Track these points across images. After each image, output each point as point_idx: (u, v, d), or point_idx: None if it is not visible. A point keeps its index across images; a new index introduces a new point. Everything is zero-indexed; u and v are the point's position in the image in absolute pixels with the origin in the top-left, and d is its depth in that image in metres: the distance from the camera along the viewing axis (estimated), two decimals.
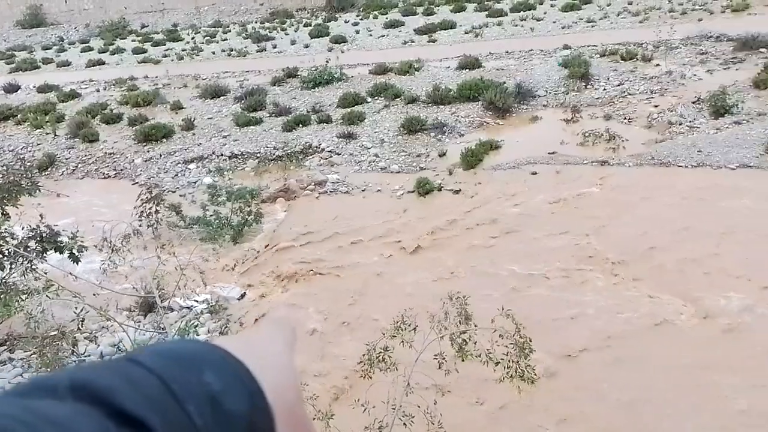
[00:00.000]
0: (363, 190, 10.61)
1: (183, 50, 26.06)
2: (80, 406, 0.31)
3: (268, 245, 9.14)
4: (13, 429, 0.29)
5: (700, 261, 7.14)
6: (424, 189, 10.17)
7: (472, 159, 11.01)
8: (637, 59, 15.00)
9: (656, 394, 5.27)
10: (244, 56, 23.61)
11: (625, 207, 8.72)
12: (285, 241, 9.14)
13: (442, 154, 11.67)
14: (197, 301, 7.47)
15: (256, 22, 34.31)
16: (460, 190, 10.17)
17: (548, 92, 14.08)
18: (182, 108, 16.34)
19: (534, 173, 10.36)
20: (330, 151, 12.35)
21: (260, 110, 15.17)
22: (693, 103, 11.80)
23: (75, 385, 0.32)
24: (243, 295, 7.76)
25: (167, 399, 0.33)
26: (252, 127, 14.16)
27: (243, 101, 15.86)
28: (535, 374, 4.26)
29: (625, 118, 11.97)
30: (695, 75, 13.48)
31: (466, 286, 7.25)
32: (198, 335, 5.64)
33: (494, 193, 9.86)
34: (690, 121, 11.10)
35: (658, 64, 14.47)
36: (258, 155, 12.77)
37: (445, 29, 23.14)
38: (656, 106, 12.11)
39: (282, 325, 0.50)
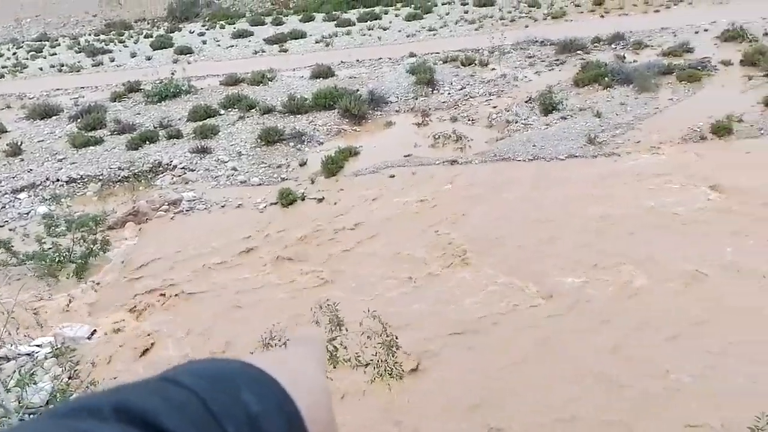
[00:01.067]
0: (222, 206, 10.22)
1: (3, 67, 23.22)
2: (125, 427, 0.31)
3: (118, 275, 8.44)
4: None
5: (541, 246, 7.87)
6: (287, 200, 10.05)
7: (332, 166, 11.11)
8: (476, 64, 16.16)
9: (521, 370, 5.71)
10: (78, 71, 21.64)
11: (475, 201, 9.34)
12: (138, 268, 8.50)
13: (302, 164, 11.63)
14: (39, 346, 6.67)
15: (89, 35, 31.60)
16: (323, 198, 10.21)
17: (399, 98, 14.66)
18: (5, 132, 14.56)
19: (392, 176, 10.71)
20: (183, 168, 11.74)
21: (100, 129, 14.00)
22: (525, 102, 12.98)
23: (119, 407, 0.32)
24: (93, 333, 7.08)
25: (208, 420, 0.33)
26: (91, 147, 13.01)
27: (79, 120, 14.53)
28: (403, 370, 4.40)
29: (469, 120, 12.83)
30: (526, 77, 14.84)
31: (336, 292, 7.31)
32: (36, 383, 5.03)
33: (357, 198, 10.04)
34: (524, 119, 12.19)
35: (494, 68, 15.71)
36: (100, 178, 11.76)
37: (295, 39, 23.13)
38: (495, 107, 13.13)
39: (311, 342, 0.49)
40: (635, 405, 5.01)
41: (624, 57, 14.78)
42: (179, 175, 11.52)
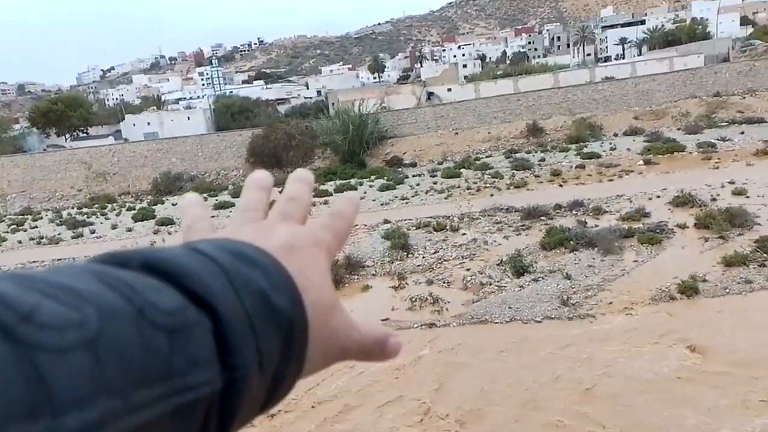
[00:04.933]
0: None
1: None
2: (152, 278, 0.33)
3: None
4: (99, 280, 0.30)
5: (525, 414, 7.58)
6: None
7: None
8: (447, 230, 16.92)
9: None
10: (57, 243, 21.86)
11: (456, 366, 9.13)
12: None
13: None
14: None
15: (72, 208, 32.52)
16: None
17: (375, 262, 15.00)
18: None
19: None
20: None
21: None
22: (497, 265, 13.40)
23: (147, 262, 0.34)
24: None
25: (228, 287, 0.34)
26: None
27: None
28: None
29: (444, 282, 13.06)
30: (495, 241, 15.50)
31: None
32: None
33: (332, 367, 9.71)
34: (498, 281, 12.48)
35: (464, 233, 16.42)
36: None
37: None
38: (468, 270, 13.48)
39: (341, 212, 0.49)
40: None
41: (585, 222, 15.69)
42: None
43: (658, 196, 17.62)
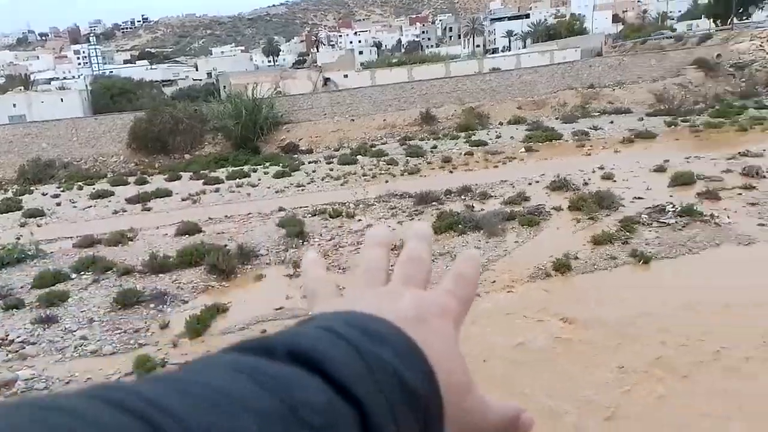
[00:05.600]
0: (67, 383, 9.05)
1: None
2: (299, 369, 0.33)
3: None
4: (248, 378, 0.31)
5: None
6: (144, 368, 9.19)
7: (198, 326, 10.52)
8: (343, 216, 16.98)
9: None
10: None
11: None
12: None
13: (164, 326, 10.89)
14: None
15: None
16: (187, 362, 9.48)
17: (269, 251, 14.72)
18: None
19: (264, 331, 10.36)
20: (22, 342, 10.41)
21: None
22: (391, 250, 13.66)
23: (292, 349, 0.34)
24: None
25: (365, 371, 0.34)
26: None
27: None
28: None
29: (340, 268, 13.12)
30: (390, 226, 15.78)
31: None
32: None
33: None
34: (392, 266, 12.73)
35: (360, 219, 16.58)
36: None
37: (160, 197, 22.87)
38: None
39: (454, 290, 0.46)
40: None
41: (472, 206, 16.44)
42: (16, 351, 10.17)
43: (537, 181, 18.84)
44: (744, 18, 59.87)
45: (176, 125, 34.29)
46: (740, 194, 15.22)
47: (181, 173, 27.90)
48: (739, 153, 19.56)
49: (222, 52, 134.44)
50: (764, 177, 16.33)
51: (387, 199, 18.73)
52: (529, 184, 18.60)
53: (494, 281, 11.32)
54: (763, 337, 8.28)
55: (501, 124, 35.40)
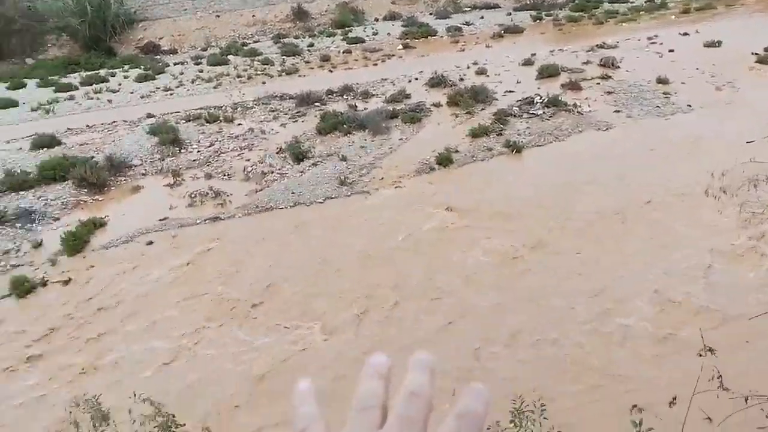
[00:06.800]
0: None
1: None
2: None
3: None
4: None
5: (318, 285, 8.20)
6: (22, 289, 8.59)
7: (75, 243, 9.88)
8: (221, 121, 16.16)
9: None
10: None
11: (245, 254, 9.28)
12: None
13: (37, 245, 10.08)
14: None
15: None
16: (70, 279, 8.99)
17: (144, 161, 13.81)
18: None
19: (150, 242, 10.00)
20: None
21: None
22: (277, 153, 13.44)
23: None
24: None
25: None
26: None
27: None
28: None
29: (224, 175, 12.73)
30: (273, 129, 15.38)
31: (98, 383, 6.49)
32: None
33: (111, 273, 9.08)
34: (279, 169, 12.60)
35: (240, 123, 15.92)
36: None
37: (4, 108, 20.09)
38: (248, 160, 13.29)
39: None
40: None
41: (356, 106, 16.40)
42: None
43: (417, 78, 19.09)
44: None
45: (8, 25, 29.48)
46: (599, 84, 16.63)
47: (25, 80, 24.47)
48: (597, 45, 21.07)
49: None
50: (618, 67, 17.90)
51: (267, 102, 18.04)
52: (409, 81, 18.80)
53: (382, 178, 11.69)
54: (622, 203, 9.59)
55: (376, 20, 34.66)
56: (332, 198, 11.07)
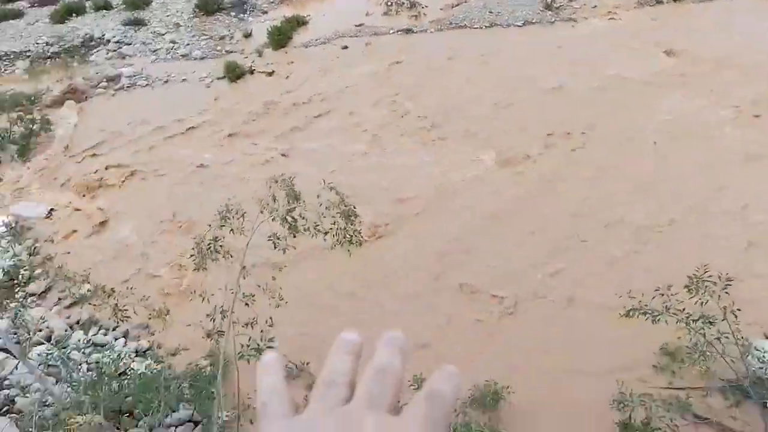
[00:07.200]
0: (165, 82, 9.68)
1: None
2: None
3: (64, 154, 8.09)
4: None
5: (500, 114, 7.90)
6: (234, 74, 9.59)
7: (280, 37, 10.52)
8: None
9: (478, 232, 5.98)
10: None
11: (433, 71, 9.13)
12: (84, 147, 8.15)
13: (247, 35, 10.95)
14: None
15: None
16: (273, 71, 9.77)
17: None
18: None
19: (345, 47, 10.27)
20: (118, 42, 10.89)
21: (17, 0, 12.63)
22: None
23: None
24: (51, 211, 6.95)
25: None
26: (11, 21, 11.80)
27: None
28: (362, 237, 4.52)
29: None
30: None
31: (293, 166, 7.26)
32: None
33: (309, 71, 9.65)
34: None
35: None
36: (28, 54, 10.82)
37: None
38: None
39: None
40: None
41: None
42: (114, 50, 10.71)
43: None
44: None
45: None
46: None
47: None
48: None
49: None
50: None
51: None
52: None
53: (595, 6, 10.23)
54: None
55: None
56: (533, 23, 10.08)
